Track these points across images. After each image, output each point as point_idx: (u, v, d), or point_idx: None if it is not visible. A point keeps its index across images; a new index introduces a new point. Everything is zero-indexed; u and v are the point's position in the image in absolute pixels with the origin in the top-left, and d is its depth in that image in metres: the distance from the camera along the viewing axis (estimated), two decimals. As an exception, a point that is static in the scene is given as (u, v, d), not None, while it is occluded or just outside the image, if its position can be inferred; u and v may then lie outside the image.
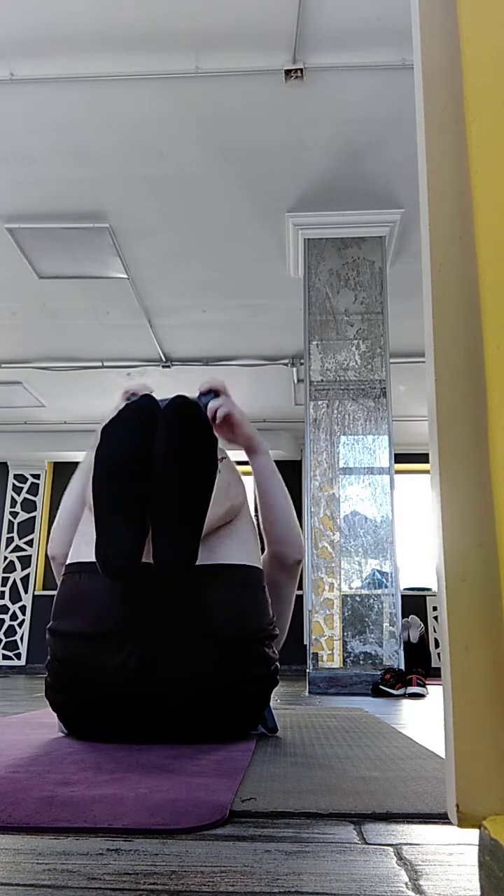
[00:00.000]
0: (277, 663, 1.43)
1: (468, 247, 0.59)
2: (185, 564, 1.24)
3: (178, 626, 1.28)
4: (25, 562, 8.03)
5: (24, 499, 8.22)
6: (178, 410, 1.31)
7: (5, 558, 8.05)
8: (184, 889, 0.55)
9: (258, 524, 1.57)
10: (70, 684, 1.32)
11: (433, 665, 6.54)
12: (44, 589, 7.95)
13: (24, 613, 7.86)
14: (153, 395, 1.50)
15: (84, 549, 1.35)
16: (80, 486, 1.59)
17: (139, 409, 1.31)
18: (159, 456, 1.26)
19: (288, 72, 3.16)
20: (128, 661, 1.25)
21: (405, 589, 7.25)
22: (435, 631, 7.21)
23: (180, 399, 1.33)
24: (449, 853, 0.65)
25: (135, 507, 1.25)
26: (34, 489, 8.24)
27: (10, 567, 8.03)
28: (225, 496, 1.41)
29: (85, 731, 1.36)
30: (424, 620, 7.30)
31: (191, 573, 1.26)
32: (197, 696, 1.28)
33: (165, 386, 6.59)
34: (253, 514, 1.55)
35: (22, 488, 8.25)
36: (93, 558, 1.26)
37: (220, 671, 1.28)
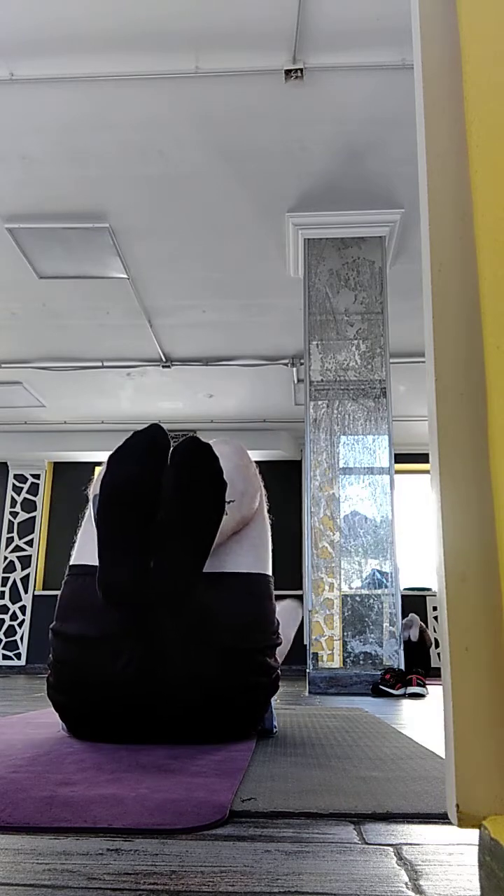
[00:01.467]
0: (279, 671, 1.42)
1: (468, 247, 0.59)
2: (180, 598, 1.24)
3: (180, 632, 1.28)
4: (25, 562, 8.03)
5: (24, 499, 8.22)
6: (188, 455, 1.29)
7: (5, 558, 8.05)
8: (184, 889, 0.55)
9: None
10: (72, 685, 1.32)
11: (433, 665, 6.54)
12: (44, 589, 7.95)
13: (24, 613, 7.86)
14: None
15: (88, 552, 1.35)
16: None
17: (146, 437, 1.29)
18: (167, 498, 1.25)
19: (288, 72, 3.15)
20: (129, 664, 1.25)
21: (405, 589, 7.24)
22: (435, 631, 7.21)
23: (193, 443, 1.30)
24: (449, 853, 0.65)
25: (137, 537, 1.24)
26: (34, 489, 8.24)
27: (10, 567, 8.03)
28: (238, 510, 1.40)
29: (86, 731, 1.36)
30: (424, 620, 7.30)
31: (186, 606, 1.27)
32: (197, 699, 1.27)
33: (165, 386, 6.61)
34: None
35: (22, 488, 8.25)
36: (96, 561, 1.26)
37: (221, 677, 1.28)
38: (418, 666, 4.88)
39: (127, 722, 1.29)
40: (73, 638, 1.32)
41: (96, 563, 1.26)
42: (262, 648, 1.36)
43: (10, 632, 7.84)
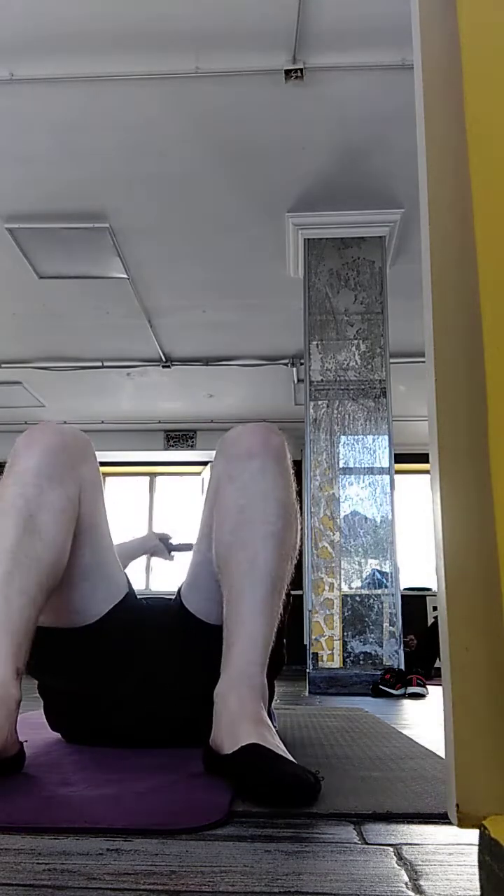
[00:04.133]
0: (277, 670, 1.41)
1: (468, 247, 0.59)
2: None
3: (171, 655, 1.26)
4: (25, 562, 8.02)
5: (24, 499, 8.21)
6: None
7: (5, 558, 8.04)
8: (184, 889, 0.55)
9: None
10: (66, 719, 1.33)
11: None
12: (44, 589, 7.94)
13: (24, 613, 7.86)
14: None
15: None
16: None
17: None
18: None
19: (288, 72, 3.15)
20: (123, 700, 1.24)
21: (405, 589, 7.23)
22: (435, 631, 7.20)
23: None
24: (449, 853, 0.65)
25: None
26: (34, 489, 8.23)
27: (10, 567, 8.02)
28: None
29: (85, 743, 1.36)
30: (424, 620, 7.30)
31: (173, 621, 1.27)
32: (194, 708, 1.26)
33: (165, 386, 6.60)
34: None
35: (22, 488, 8.24)
36: (53, 624, 1.22)
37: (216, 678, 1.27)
38: (420, 667, 4.88)
39: (124, 737, 1.29)
40: (58, 691, 1.31)
41: (53, 626, 1.21)
42: None
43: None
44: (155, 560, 2.11)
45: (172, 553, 2.07)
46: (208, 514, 1.22)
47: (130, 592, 1.31)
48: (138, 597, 1.36)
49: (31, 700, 2.82)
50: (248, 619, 1.03)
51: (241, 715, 0.94)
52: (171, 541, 2.08)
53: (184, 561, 1.41)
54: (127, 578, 1.36)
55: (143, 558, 2.11)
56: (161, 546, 2.05)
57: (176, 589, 1.35)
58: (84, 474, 1.16)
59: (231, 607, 1.05)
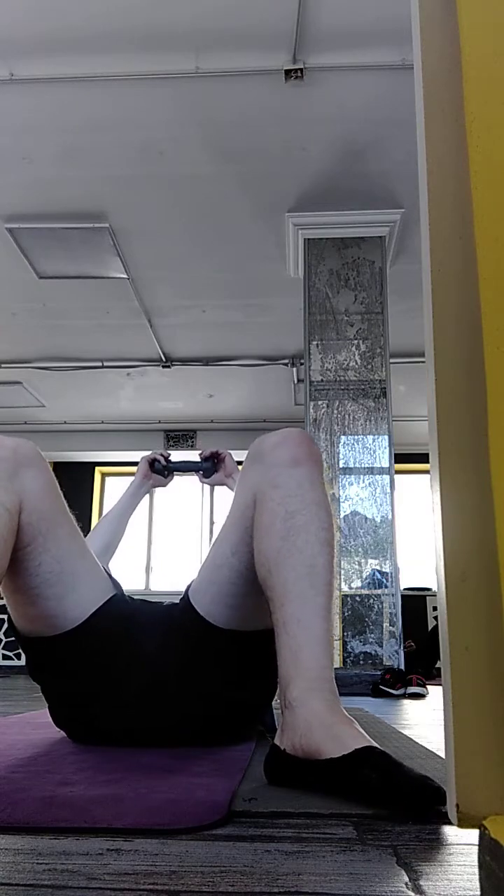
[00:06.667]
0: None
1: (468, 247, 0.59)
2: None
3: (172, 657, 1.26)
4: (25, 562, 8.02)
5: (24, 499, 8.20)
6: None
7: (5, 558, 8.03)
8: (184, 889, 0.55)
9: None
10: (67, 718, 1.34)
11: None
12: (44, 589, 7.94)
13: (24, 613, 7.85)
14: None
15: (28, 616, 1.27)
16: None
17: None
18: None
19: (288, 72, 3.15)
20: (122, 700, 1.23)
21: (405, 589, 7.25)
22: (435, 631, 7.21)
23: None
24: (449, 853, 0.65)
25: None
26: (34, 489, 8.23)
27: (10, 567, 8.02)
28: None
29: (88, 742, 1.36)
30: (424, 620, 7.31)
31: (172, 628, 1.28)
32: (197, 705, 1.26)
33: (165, 386, 6.60)
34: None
35: (22, 488, 8.24)
36: (33, 632, 1.24)
37: (219, 680, 1.27)
38: (420, 667, 4.88)
39: (125, 736, 1.29)
40: (57, 692, 1.31)
41: (55, 633, 1.22)
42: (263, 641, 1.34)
43: (11, 631, 7.84)
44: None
45: (173, 473, 1.91)
46: (236, 519, 1.20)
47: (117, 595, 1.31)
48: (135, 599, 1.36)
49: (34, 700, 2.82)
50: (314, 623, 1.03)
51: (336, 719, 0.94)
52: (170, 458, 1.90)
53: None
54: (113, 581, 1.35)
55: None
56: (154, 480, 1.89)
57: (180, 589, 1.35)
58: (26, 484, 1.16)
59: (290, 611, 1.03)
